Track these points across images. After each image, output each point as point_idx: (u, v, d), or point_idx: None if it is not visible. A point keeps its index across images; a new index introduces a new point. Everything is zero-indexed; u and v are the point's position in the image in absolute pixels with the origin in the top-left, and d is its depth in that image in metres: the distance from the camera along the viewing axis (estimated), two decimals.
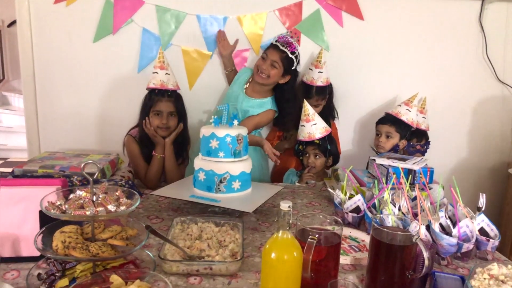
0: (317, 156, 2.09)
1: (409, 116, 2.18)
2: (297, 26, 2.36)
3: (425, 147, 2.36)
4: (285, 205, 0.90)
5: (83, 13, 2.26)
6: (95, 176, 1.04)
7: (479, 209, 1.37)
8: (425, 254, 0.99)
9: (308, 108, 2.05)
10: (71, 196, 1.07)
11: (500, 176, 2.56)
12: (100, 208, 1.00)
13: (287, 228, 0.91)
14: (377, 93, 2.47)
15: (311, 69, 2.28)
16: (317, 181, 2.06)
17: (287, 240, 0.91)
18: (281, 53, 2.03)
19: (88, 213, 0.98)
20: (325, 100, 2.31)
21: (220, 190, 1.50)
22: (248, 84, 2.18)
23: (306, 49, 2.37)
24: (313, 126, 2.04)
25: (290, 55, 2.04)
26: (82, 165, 1.03)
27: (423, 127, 2.36)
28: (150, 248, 1.27)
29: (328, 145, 2.09)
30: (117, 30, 2.29)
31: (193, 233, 1.29)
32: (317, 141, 2.06)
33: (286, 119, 2.16)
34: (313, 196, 1.84)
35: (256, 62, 2.10)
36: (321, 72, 2.25)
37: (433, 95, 2.44)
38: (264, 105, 2.13)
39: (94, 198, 1.04)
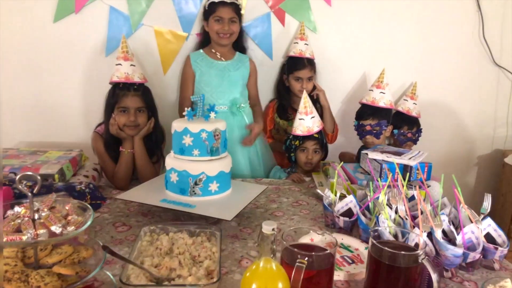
0: (316, 152, 1.92)
1: (385, 99, 2.02)
2: (281, 5, 2.16)
3: (416, 135, 2.23)
4: (268, 228, 0.73)
5: None
6: (35, 190, 0.84)
7: (483, 212, 1.24)
8: (434, 277, 0.85)
9: (307, 100, 1.88)
10: (8, 213, 0.88)
11: (494, 165, 2.45)
12: (42, 231, 0.82)
13: (271, 255, 0.75)
14: (367, 77, 2.31)
15: (297, 42, 2.13)
16: (305, 176, 1.90)
17: (270, 271, 0.74)
18: (233, 6, 1.93)
19: (24, 238, 0.80)
20: (314, 77, 2.16)
21: (195, 193, 1.32)
22: (220, 58, 2.02)
23: (291, 29, 2.20)
24: (312, 119, 1.88)
25: (238, 2, 1.95)
26: (18, 177, 0.84)
27: (414, 113, 2.22)
28: (113, 265, 1.10)
29: (324, 139, 1.94)
30: (80, 9, 2.04)
31: (163, 247, 1.11)
32: (316, 135, 1.89)
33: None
34: (299, 193, 1.68)
35: (213, 29, 1.93)
36: (307, 44, 2.13)
37: (425, 79, 2.31)
38: (241, 60, 2.05)
39: (36, 216, 0.85)
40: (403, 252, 0.88)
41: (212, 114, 1.38)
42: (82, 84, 2.16)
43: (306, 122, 1.85)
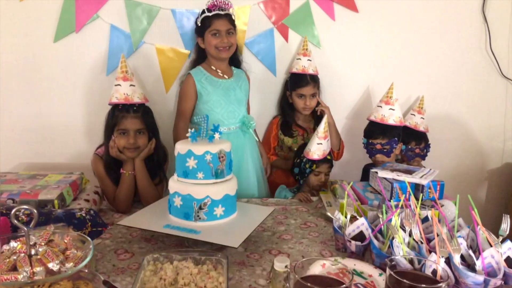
0: (328, 174, 1.88)
1: (395, 116, 1.94)
2: (284, 20, 2.13)
3: (425, 150, 2.17)
4: (280, 265, 0.68)
5: (40, 9, 1.98)
6: (31, 225, 0.79)
7: (502, 234, 1.18)
8: None
9: (327, 125, 1.84)
10: (4, 248, 0.83)
11: (505, 179, 2.39)
12: (38, 268, 0.77)
13: None
14: (372, 91, 2.26)
15: (300, 58, 2.09)
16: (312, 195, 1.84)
17: None
18: (228, 18, 1.89)
19: (20, 277, 0.74)
20: (318, 93, 2.13)
21: (200, 218, 1.27)
22: (222, 76, 1.97)
23: (294, 44, 2.17)
24: (327, 143, 1.84)
25: (231, 13, 1.93)
26: (13, 211, 0.79)
27: (421, 128, 2.17)
28: None
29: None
30: (81, 28, 2.02)
31: (167, 277, 1.06)
32: (329, 157, 1.86)
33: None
34: (307, 214, 1.63)
35: (211, 43, 1.88)
36: (310, 60, 2.09)
37: (432, 93, 2.26)
38: (239, 76, 2.02)
39: (33, 252, 0.80)
40: (424, 286, 0.82)
41: (217, 135, 1.34)
42: (83, 104, 2.13)
43: (323, 146, 1.82)
